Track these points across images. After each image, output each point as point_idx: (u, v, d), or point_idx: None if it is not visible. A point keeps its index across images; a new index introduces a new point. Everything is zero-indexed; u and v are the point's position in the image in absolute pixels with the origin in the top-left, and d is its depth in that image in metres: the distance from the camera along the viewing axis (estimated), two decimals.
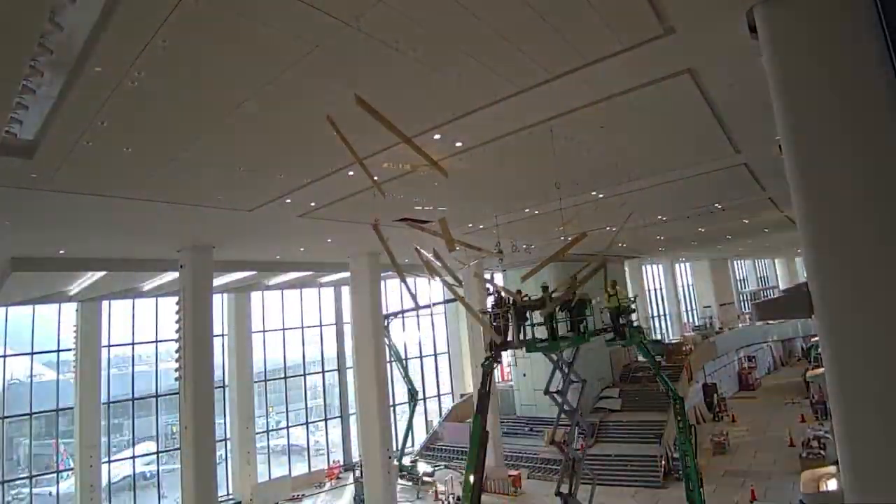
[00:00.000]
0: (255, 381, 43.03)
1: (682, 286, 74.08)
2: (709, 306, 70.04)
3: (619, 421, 41.66)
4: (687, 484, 26.24)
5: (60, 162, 13.23)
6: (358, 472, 36.62)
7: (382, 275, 34.16)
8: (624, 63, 11.13)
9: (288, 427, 45.06)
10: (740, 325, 65.48)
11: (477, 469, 19.40)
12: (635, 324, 25.58)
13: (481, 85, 11.60)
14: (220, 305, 41.22)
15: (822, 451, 32.51)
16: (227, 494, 39.38)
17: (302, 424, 45.97)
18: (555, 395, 24.00)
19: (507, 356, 49.47)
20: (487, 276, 38.81)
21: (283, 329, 46.32)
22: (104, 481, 34.55)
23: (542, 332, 20.44)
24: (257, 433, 42.05)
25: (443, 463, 43.29)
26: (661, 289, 70.35)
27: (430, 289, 51.95)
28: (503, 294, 20.83)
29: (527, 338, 19.90)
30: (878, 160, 5.81)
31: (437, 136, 14.32)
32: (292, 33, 8.92)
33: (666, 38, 10.33)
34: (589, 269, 20.53)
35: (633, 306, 25.35)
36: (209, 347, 25.42)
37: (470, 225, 26.79)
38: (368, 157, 13.90)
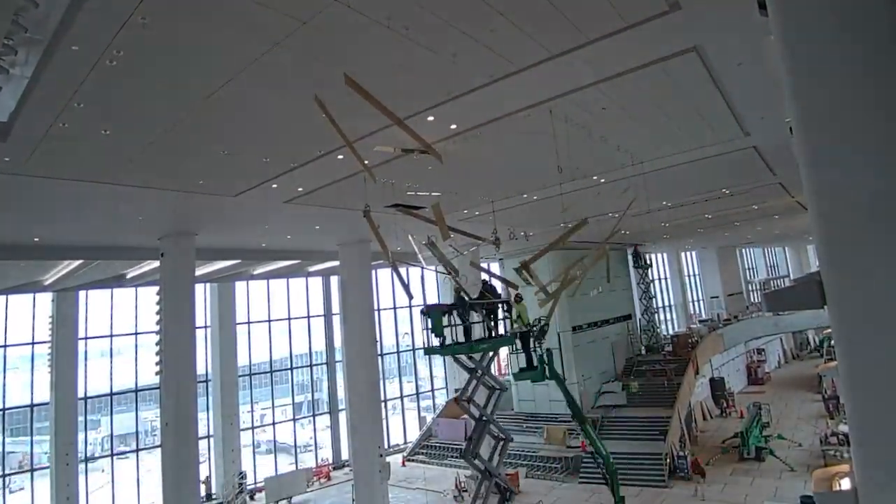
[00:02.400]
0: (240, 376, 43.05)
1: (688, 275, 74.15)
2: (716, 296, 70.09)
3: (622, 417, 41.75)
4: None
5: (35, 145, 13.23)
6: None
7: (373, 264, 34.17)
8: (627, 41, 11.16)
9: (274, 423, 45.10)
10: (752, 315, 65.54)
11: None
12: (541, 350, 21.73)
13: (477, 64, 11.63)
14: (202, 296, 41.29)
15: (841, 448, 32.52)
16: (210, 494, 39.43)
17: (289, 421, 46.04)
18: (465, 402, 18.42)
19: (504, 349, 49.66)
20: (484, 265, 38.88)
21: (269, 321, 46.27)
22: (81, 480, 34.55)
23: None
24: (242, 430, 42.13)
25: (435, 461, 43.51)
26: (666, 278, 70.44)
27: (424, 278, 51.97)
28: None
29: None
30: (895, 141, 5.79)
31: (430, 118, 14.34)
32: (278, 9, 8.92)
33: (671, 15, 10.36)
34: (590, 258, 20.62)
35: (545, 326, 21.53)
36: (191, 340, 25.46)
37: (465, 211, 26.80)
38: (359, 140, 13.92)
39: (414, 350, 53.79)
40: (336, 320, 47.66)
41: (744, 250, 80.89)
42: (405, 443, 49.41)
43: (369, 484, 30.33)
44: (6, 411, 33.84)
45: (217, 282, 41.30)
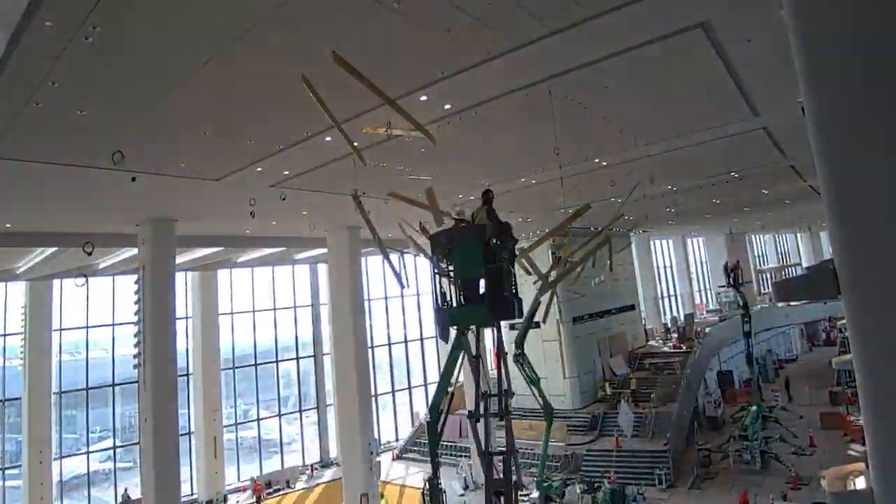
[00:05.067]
0: (223, 369, 43.06)
1: (695, 263, 74.24)
2: (724, 286, 70.12)
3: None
4: None
5: (6, 126, 13.23)
6: None
7: (363, 251, 34.16)
8: (630, 16, 11.18)
9: (259, 419, 45.15)
10: (759, 306, 65.67)
11: None
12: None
13: (472, 41, 11.65)
14: (183, 285, 41.27)
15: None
16: (192, 493, 39.54)
17: (274, 416, 46.09)
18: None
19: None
20: None
21: (254, 311, 46.26)
22: (55, 479, 34.61)
23: None
24: (224, 426, 42.07)
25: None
26: (671, 266, 70.50)
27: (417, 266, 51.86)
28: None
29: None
30: None
31: (423, 98, 14.37)
32: None
33: None
34: (592, 244, 20.65)
35: None
36: (171, 331, 25.45)
37: (460, 196, 26.85)
38: (348, 121, 13.93)
39: (406, 342, 53.79)
40: (324, 311, 47.63)
41: (753, 237, 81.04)
42: (397, 439, 49.49)
43: (359, 483, 30.41)
44: None
45: (199, 270, 41.28)
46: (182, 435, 30.93)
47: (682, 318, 59.51)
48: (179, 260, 30.22)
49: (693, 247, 74.38)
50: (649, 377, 46.07)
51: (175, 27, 10.03)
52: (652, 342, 54.86)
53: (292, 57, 11.33)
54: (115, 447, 38.13)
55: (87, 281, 31.46)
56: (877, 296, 5.82)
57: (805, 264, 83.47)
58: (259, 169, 19.20)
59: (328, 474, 43.13)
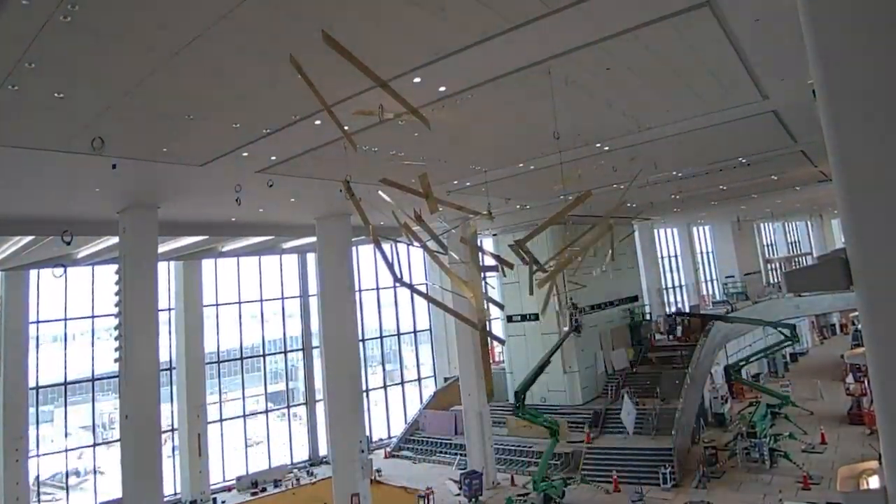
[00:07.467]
0: (207, 363, 42.96)
1: (701, 253, 74.22)
2: (731, 276, 70.19)
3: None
4: None
5: None
6: None
7: (354, 240, 34.13)
8: None
9: (245, 416, 45.18)
10: (767, 297, 65.73)
11: None
12: None
13: (469, 20, 11.66)
14: (166, 275, 41.23)
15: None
16: (175, 493, 39.59)
17: (261, 413, 46.14)
18: None
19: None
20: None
21: (240, 302, 46.22)
22: (32, 478, 34.61)
23: None
24: (209, 423, 41.97)
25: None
26: (676, 256, 70.46)
27: (410, 256, 51.77)
28: None
29: None
30: None
31: (417, 80, 14.39)
32: None
33: None
34: (593, 232, 20.67)
35: None
36: (154, 323, 25.38)
37: (455, 182, 26.85)
38: (338, 104, 13.94)
39: (399, 335, 53.86)
40: (313, 302, 47.58)
41: (762, 225, 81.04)
42: (389, 437, 49.59)
43: (350, 482, 30.43)
44: None
45: (182, 260, 41.25)
46: (165, 432, 30.95)
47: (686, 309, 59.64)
48: (162, 249, 30.17)
49: (699, 235, 74.35)
50: (653, 371, 46.13)
51: (158, 5, 10.01)
52: (657, 335, 54.82)
53: (281, 36, 11.33)
54: (94, 444, 38.08)
55: (65, 271, 31.56)
56: (891, 286, 5.81)
57: (816, 253, 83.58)
58: (245, 154, 19.18)
59: (318, 473, 43.20)
